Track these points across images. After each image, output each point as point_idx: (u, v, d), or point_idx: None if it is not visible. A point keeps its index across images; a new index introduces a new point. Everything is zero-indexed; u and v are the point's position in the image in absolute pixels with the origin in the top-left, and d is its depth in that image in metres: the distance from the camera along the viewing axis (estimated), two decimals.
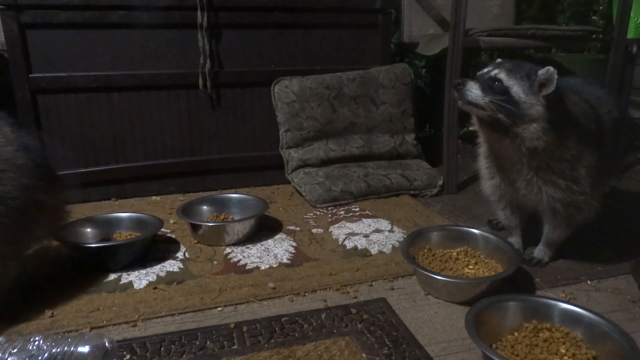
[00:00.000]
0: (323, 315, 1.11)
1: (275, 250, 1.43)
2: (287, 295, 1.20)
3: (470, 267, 1.27)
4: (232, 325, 1.07)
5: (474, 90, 1.12)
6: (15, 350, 0.90)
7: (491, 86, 1.12)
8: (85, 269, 1.30)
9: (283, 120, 1.97)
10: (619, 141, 1.36)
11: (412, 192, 1.93)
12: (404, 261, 1.27)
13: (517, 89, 1.11)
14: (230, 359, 0.96)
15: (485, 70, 1.17)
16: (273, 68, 1.99)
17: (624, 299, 1.19)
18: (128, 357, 0.97)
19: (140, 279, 1.26)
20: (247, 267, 1.33)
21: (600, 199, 1.26)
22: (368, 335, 1.03)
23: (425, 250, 1.35)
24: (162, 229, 1.48)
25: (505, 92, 1.11)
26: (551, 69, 1.09)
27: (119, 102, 1.83)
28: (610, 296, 1.20)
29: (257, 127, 2.02)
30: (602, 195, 1.27)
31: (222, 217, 1.59)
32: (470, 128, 3.13)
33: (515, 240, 1.42)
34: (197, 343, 1.01)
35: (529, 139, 1.13)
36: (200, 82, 1.88)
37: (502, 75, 1.12)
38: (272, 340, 1.02)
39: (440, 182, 1.96)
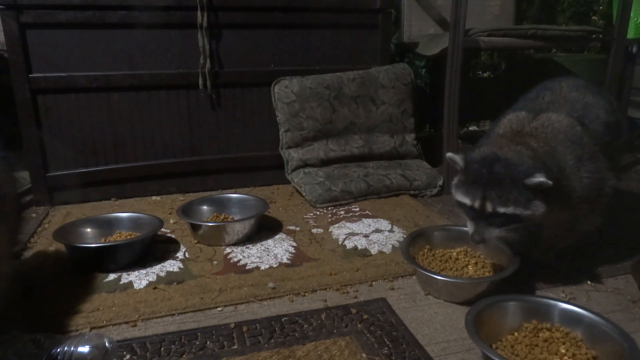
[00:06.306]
0: (323, 315, 1.11)
1: (275, 250, 1.43)
2: (287, 295, 1.20)
3: (470, 267, 1.27)
4: (232, 325, 1.07)
5: (492, 233, 1.14)
6: (15, 350, 0.90)
7: (497, 221, 1.13)
8: (85, 269, 1.30)
9: (283, 120, 1.97)
10: (613, 143, 1.34)
11: (412, 192, 1.93)
12: (404, 261, 1.27)
13: (519, 211, 1.10)
14: (230, 359, 0.96)
15: (472, 204, 1.15)
16: (273, 68, 1.99)
17: (624, 299, 1.19)
18: (128, 357, 0.97)
19: (140, 279, 1.26)
20: (247, 267, 1.33)
21: (602, 211, 1.25)
22: (368, 335, 1.03)
23: (425, 250, 1.35)
24: (162, 229, 1.48)
25: (511, 218, 1.12)
26: (539, 179, 1.06)
27: (119, 102, 1.83)
28: (610, 296, 1.20)
29: (257, 127, 2.02)
30: (604, 208, 1.26)
31: (222, 217, 1.59)
32: (470, 128, 3.14)
33: None
34: (197, 343, 1.01)
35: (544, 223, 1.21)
36: (200, 82, 1.88)
37: (501, 209, 1.11)
38: (272, 340, 1.02)
39: (440, 182, 1.96)
